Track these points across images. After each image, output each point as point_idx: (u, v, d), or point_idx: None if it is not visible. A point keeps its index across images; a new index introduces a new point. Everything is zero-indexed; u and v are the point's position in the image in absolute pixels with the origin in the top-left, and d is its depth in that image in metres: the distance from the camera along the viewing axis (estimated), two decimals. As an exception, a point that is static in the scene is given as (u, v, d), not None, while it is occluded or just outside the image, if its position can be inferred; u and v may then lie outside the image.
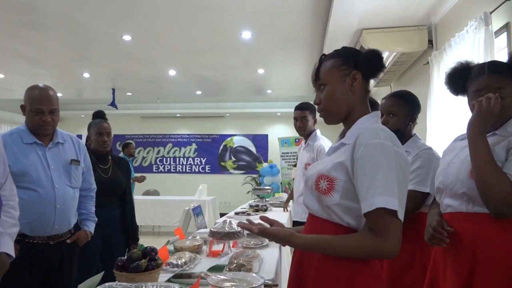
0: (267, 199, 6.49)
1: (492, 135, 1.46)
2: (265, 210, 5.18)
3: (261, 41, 5.46)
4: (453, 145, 1.66)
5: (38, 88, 2.14)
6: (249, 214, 4.54)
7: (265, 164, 10.33)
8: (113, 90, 8.59)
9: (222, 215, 5.43)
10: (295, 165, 5.47)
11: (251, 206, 5.27)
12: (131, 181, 5.97)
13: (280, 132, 11.09)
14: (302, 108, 3.19)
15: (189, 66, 6.90)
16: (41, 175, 2.08)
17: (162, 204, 7.36)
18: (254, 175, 11.05)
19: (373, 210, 1.10)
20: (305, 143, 3.23)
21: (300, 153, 3.33)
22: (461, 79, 1.57)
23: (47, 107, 2.10)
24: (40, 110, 2.09)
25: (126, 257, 1.86)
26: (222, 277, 1.71)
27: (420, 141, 1.96)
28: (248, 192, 10.54)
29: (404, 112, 1.93)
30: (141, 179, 6.69)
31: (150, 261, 1.82)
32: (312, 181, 1.28)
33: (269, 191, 7.24)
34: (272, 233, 1.24)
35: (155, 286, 1.65)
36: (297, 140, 9.25)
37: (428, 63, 3.70)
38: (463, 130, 2.84)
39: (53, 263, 2.14)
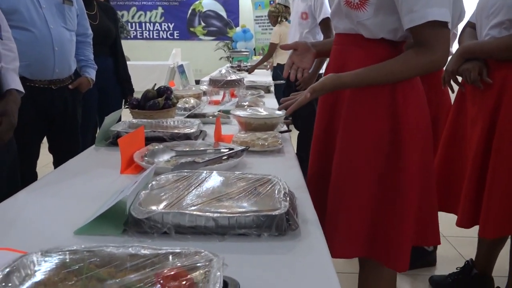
0: (245, 63, 6.42)
1: None
2: (247, 70, 5.17)
3: None
4: None
5: None
6: (234, 72, 4.50)
7: (237, 29, 9.97)
8: None
9: (196, 82, 5.36)
10: None
11: (232, 67, 5.21)
12: None
13: (252, -6, 10.49)
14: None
15: None
16: (33, 13, 1.89)
17: (134, 69, 7.06)
18: (226, 41, 10.72)
19: (424, 24, 1.04)
20: (300, -9, 3.06)
21: (294, 3, 3.17)
22: None
23: None
24: None
25: (140, 97, 1.84)
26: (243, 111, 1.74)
27: None
28: (221, 59, 10.34)
29: None
30: None
31: (166, 100, 1.82)
32: None
33: (247, 54, 7.13)
34: (320, 85, 1.15)
35: (177, 122, 1.66)
36: (271, 1, 8.82)
37: None
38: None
39: (58, 109, 2.09)
